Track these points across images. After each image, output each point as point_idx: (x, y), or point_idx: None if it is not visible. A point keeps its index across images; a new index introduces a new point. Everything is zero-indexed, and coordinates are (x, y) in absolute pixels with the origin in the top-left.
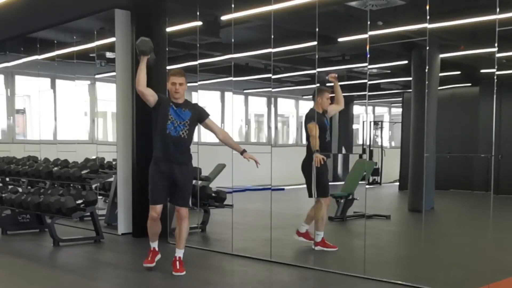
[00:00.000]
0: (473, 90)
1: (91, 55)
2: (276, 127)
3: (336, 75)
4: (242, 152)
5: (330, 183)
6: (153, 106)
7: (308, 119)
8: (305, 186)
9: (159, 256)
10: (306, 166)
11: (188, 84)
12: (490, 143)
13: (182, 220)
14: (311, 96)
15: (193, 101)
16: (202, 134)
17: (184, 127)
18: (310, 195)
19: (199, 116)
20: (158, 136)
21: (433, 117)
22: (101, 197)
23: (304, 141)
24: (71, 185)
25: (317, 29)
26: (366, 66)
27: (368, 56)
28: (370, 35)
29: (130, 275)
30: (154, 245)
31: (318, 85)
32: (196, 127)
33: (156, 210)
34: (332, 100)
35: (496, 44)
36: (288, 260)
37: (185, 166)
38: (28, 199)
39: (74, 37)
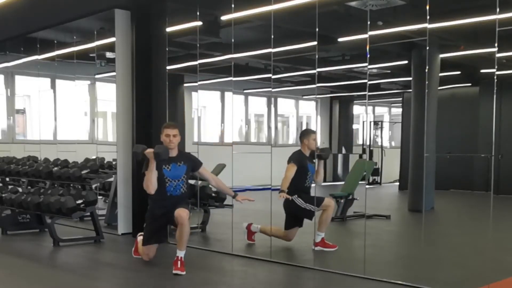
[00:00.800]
0: (473, 90)
1: (91, 55)
2: (276, 127)
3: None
4: (234, 196)
5: (330, 183)
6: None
7: (290, 159)
8: None
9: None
10: (284, 204)
11: (188, 84)
12: (490, 143)
13: (182, 224)
14: (311, 96)
15: (193, 102)
16: (202, 134)
17: (183, 184)
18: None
19: (194, 166)
20: (158, 196)
21: (433, 117)
22: (101, 197)
23: None
24: (71, 185)
25: (317, 29)
26: (366, 66)
27: (368, 56)
28: (370, 35)
29: (130, 275)
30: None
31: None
32: (196, 128)
33: (150, 254)
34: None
35: (496, 44)
36: (288, 260)
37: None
38: (28, 199)
39: (74, 37)
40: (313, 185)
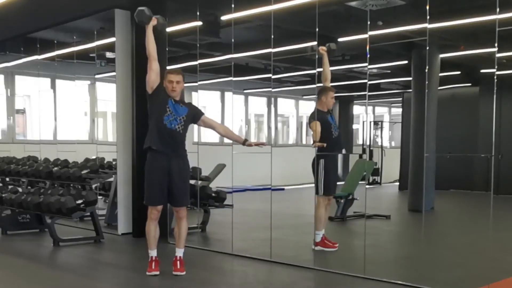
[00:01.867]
0: (473, 90)
1: (91, 55)
2: (276, 127)
3: (326, 49)
4: (244, 142)
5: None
6: (151, 92)
7: (310, 118)
8: (305, 186)
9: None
10: (314, 164)
11: (188, 84)
12: (490, 143)
13: (180, 219)
14: (311, 96)
15: (193, 102)
16: (202, 134)
17: (180, 122)
18: (316, 192)
19: (195, 114)
20: (153, 127)
21: (433, 117)
22: (101, 197)
23: (304, 141)
24: (71, 185)
25: (317, 29)
26: (366, 66)
27: (368, 56)
28: (370, 35)
29: (130, 275)
30: (154, 253)
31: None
32: (196, 128)
33: (157, 209)
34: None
35: (496, 44)
36: (288, 260)
37: (181, 160)
38: (28, 199)
39: (74, 37)
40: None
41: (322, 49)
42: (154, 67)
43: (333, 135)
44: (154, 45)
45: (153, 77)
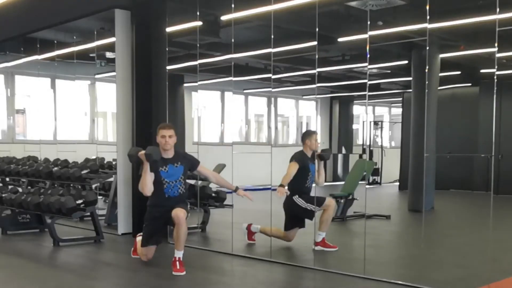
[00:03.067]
0: (473, 90)
1: (91, 55)
2: (276, 127)
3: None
4: (236, 190)
5: (330, 183)
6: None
7: (291, 158)
8: None
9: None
10: (287, 203)
11: (188, 84)
12: (490, 143)
13: (179, 225)
14: (311, 96)
15: (193, 102)
16: (202, 134)
17: (180, 185)
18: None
19: (191, 166)
20: (156, 198)
21: (433, 117)
22: (101, 197)
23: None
24: (71, 185)
25: (317, 29)
26: (366, 66)
27: (368, 56)
28: (370, 35)
29: (130, 275)
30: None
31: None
32: (196, 128)
33: (148, 255)
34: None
35: (496, 44)
36: (288, 260)
37: (182, 203)
38: (28, 199)
39: (74, 37)
40: (313, 185)
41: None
42: (148, 190)
43: (306, 182)
44: (151, 182)
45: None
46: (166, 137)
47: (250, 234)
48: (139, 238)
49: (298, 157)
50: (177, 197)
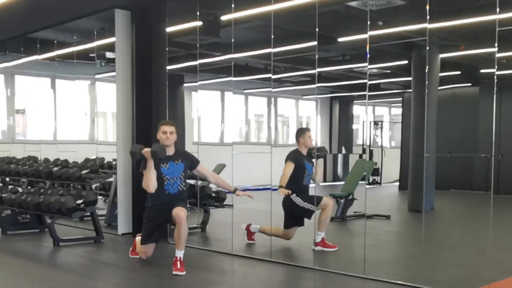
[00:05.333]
0: (473, 90)
1: (91, 55)
2: (276, 127)
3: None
4: (234, 191)
5: (330, 183)
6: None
7: (287, 158)
8: None
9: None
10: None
11: (188, 84)
12: (490, 143)
13: (179, 224)
14: (311, 96)
15: (193, 102)
16: (202, 134)
17: (180, 182)
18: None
19: (191, 165)
20: (156, 195)
21: (433, 117)
22: (101, 197)
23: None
24: (71, 185)
25: (317, 29)
26: (366, 66)
27: (368, 56)
28: (370, 35)
29: (130, 275)
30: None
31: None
32: (196, 128)
33: (148, 252)
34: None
35: (496, 44)
36: (288, 260)
37: (181, 201)
38: (28, 199)
39: (74, 37)
40: (312, 185)
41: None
42: (153, 187)
43: (303, 181)
44: (155, 179)
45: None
46: (167, 133)
47: (250, 234)
48: (138, 238)
49: (293, 156)
50: (177, 194)
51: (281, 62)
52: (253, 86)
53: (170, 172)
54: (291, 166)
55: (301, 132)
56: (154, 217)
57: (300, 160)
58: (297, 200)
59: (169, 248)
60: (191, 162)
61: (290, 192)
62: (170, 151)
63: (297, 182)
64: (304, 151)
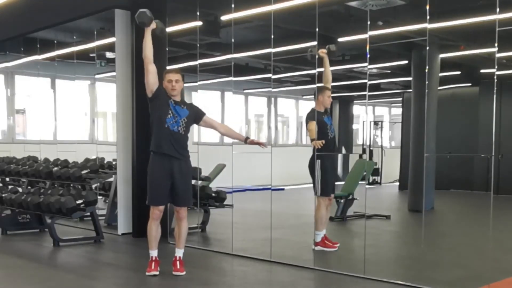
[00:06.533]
0: (473, 90)
1: (91, 55)
2: (276, 127)
3: (326, 51)
4: (246, 140)
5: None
6: (151, 95)
7: (307, 118)
8: (305, 186)
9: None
10: (311, 164)
11: (188, 84)
12: (490, 143)
13: (181, 220)
14: (311, 96)
15: (193, 102)
16: (202, 134)
17: (182, 124)
18: (315, 193)
19: (196, 114)
20: (156, 130)
21: (433, 117)
22: (101, 197)
23: (304, 141)
24: (71, 185)
25: (317, 29)
26: (366, 66)
27: (368, 56)
28: (370, 35)
29: (130, 275)
30: (154, 253)
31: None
32: (196, 128)
33: (159, 209)
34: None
35: (496, 44)
36: (288, 260)
37: (184, 163)
38: (28, 199)
39: (74, 37)
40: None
41: (322, 51)
42: (151, 69)
43: (328, 135)
44: (151, 48)
45: (151, 80)
46: (173, 82)
47: (325, 244)
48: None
49: (312, 116)
50: (176, 134)
51: (281, 62)
52: (253, 86)
53: (175, 110)
54: (314, 123)
55: (321, 90)
56: (158, 172)
57: (319, 118)
58: (317, 167)
59: (169, 248)
60: (197, 112)
61: (324, 142)
62: (177, 99)
63: (322, 138)
64: (322, 109)
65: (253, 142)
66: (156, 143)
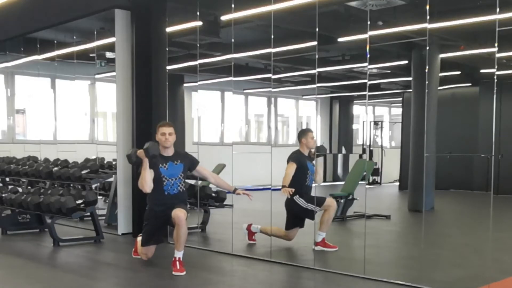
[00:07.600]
0: (473, 90)
1: (91, 55)
2: (276, 127)
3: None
4: (234, 191)
5: (330, 183)
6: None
7: (289, 159)
8: None
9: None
10: (286, 204)
11: (188, 84)
12: (490, 143)
13: (179, 225)
14: (311, 96)
15: (193, 102)
16: (202, 134)
17: (180, 182)
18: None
19: (191, 164)
20: (156, 196)
21: (433, 117)
22: (101, 197)
23: None
24: (71, 185)
25: (317, 29)
26: (366, 66)
27: (368, 56)
28: (370, 35)
29: (130, 275)
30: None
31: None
32: (196, 128)
33: (148, 254)
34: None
35: (496, 44)
36: (288, 260)
37: (181, 203)
38: (28, 199)
39: (74, 37)
40: (314, 185)
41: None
42: (148, 187)
43: (306, 181)
44: (151, 179)
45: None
46: (166, 135)
47: (251, 234)
48: (139, 238)
49: (295, 157)
50: (177, 194)
51: (281, 62)
52: (253, 86)
53: (169, 173)
54: (293, 167)
55: (304, 132)
56: (154, 218)
57: (302, 161)
58: (300, 201)
59: (169, 248)
60: (191, 162)
61: (293, 190)
62: (170, 151)
63: (299, 182)
64: (306, 152)
65: (239, 194)
66: (156, 204)
